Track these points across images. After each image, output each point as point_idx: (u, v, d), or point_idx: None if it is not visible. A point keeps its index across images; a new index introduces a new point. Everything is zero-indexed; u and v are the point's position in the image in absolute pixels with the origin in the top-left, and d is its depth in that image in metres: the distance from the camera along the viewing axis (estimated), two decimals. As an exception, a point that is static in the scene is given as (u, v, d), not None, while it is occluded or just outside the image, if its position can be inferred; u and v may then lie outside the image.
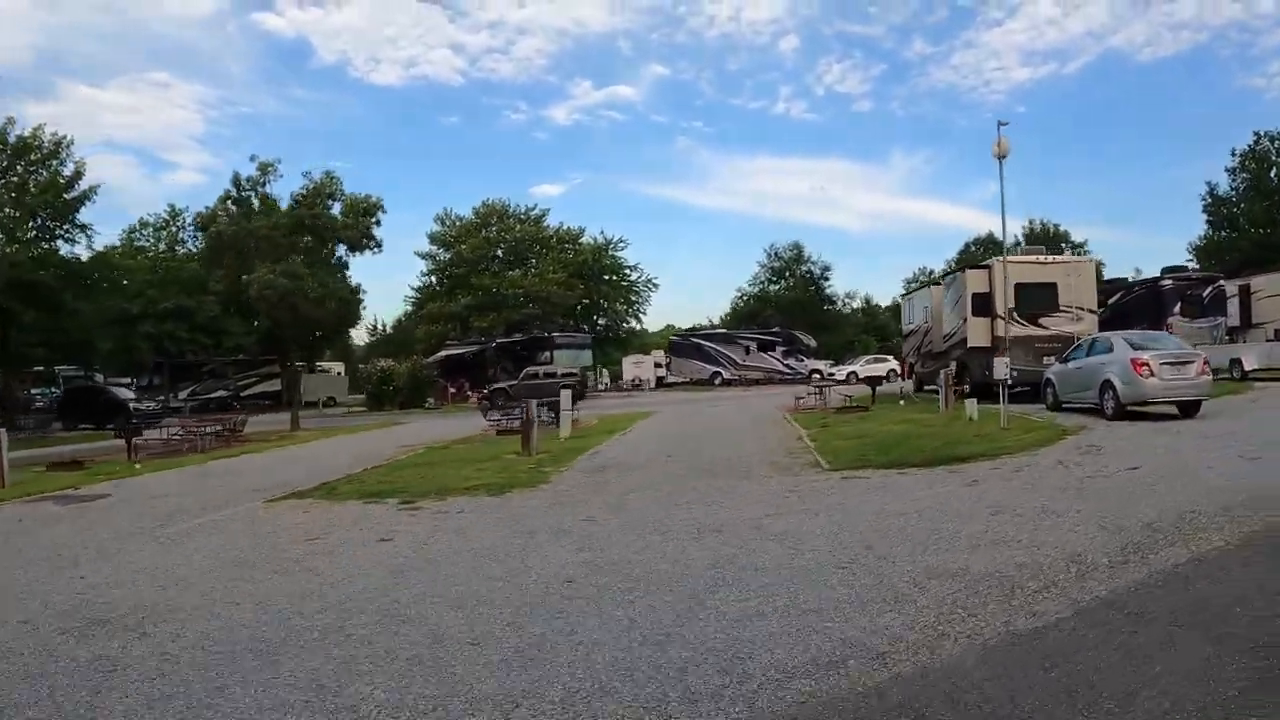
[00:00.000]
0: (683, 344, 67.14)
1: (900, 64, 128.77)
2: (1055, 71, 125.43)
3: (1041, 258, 29.51)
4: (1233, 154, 62.17)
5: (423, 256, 73.38)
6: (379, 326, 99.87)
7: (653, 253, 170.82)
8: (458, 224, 72.96)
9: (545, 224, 75.32)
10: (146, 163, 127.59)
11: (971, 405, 20.52)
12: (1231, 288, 39.64)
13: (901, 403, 28.13)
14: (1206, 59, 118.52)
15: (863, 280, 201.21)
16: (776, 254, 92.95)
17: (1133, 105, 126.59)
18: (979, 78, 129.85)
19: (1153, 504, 9.21)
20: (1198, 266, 57.31)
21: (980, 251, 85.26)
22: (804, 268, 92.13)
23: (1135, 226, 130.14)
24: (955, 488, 11.40)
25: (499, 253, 71.61)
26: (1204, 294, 36.10)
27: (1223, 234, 63.81)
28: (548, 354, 51.64)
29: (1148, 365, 17.85)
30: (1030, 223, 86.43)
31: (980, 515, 9.39)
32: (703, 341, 65.40)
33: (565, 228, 76.39)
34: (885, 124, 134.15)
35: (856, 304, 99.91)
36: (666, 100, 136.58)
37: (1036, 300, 26.57)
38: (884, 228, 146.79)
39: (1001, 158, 22.41)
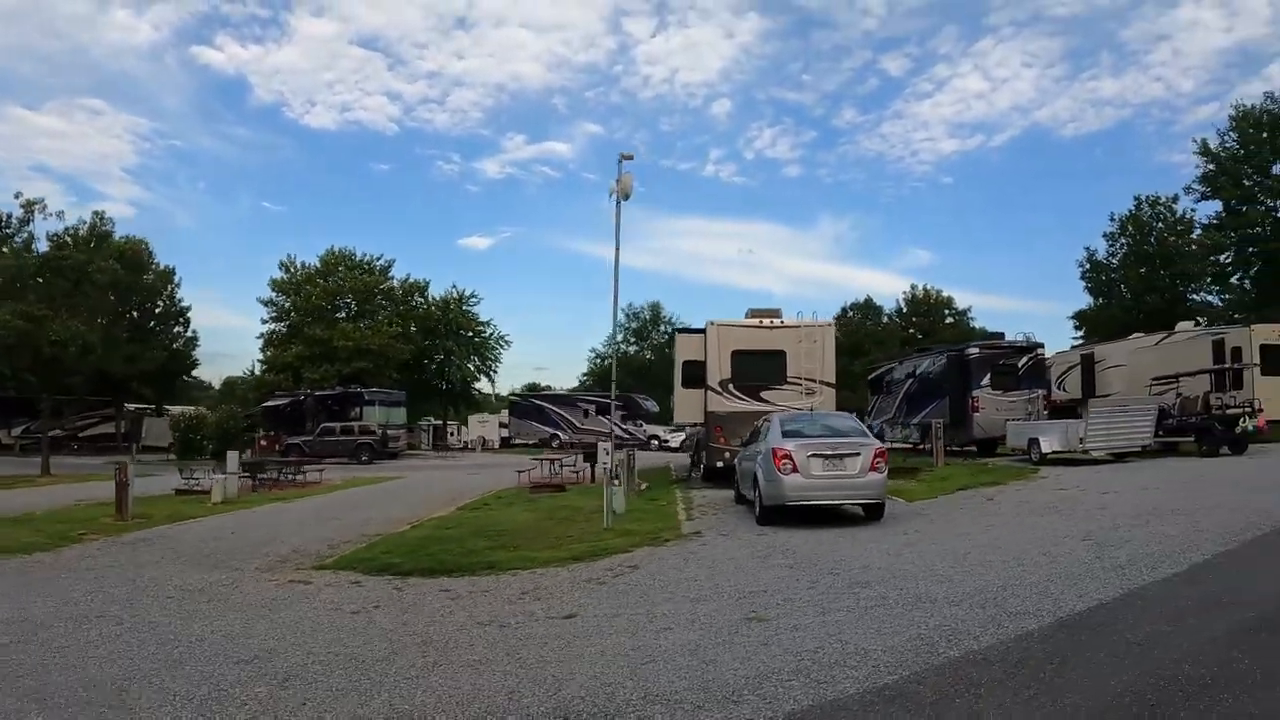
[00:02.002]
0: (523, 405, 69.08)
1: (830, 131, 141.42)
2: (982, 144, 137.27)
3: (767, 321, 25.63)
4: (1111, 219, 61.55)
5: (264, 303, 71.12)
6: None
7: (577, 310, 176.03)
8: (302, 271, 70.93)
9: (390, 275, 74.00)
10: (75, 190, 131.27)
11: (615, 493, 16.96)
12: (1073, 356, 40.08)
13: (643, 486, 24.11)
14: (1128, 135, 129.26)
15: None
16: (635, 314, 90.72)
17: (1054, 178, 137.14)
18: (907, 148, 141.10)
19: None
20: (1080, 336, 55.45)
21: (855, 315, 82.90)
22: (664, 328, 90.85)
23: (1054, 296, 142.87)
24: (345, 614, 9.35)
25: (347, 302, 70.46)
26: (1019, 364, 33.17)
27: (1100, 301, 62.45)
28: (358, 410, 51.59)
29: (790, 458, 14.97)
30: (912, 287, 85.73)
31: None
32: (543, 403, 67.35)
33: (411, 279, 75.61)
34: (813, 190, 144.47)
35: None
36: (598, 158, 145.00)
37: (759, 370, 24.64)
38: (808, 292, 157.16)
39: (625, 197, 18.29)
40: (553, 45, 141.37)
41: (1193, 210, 50.06)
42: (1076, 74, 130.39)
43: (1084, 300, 62.62)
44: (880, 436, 37.68)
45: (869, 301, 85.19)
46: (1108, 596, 8.24)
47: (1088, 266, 62.86)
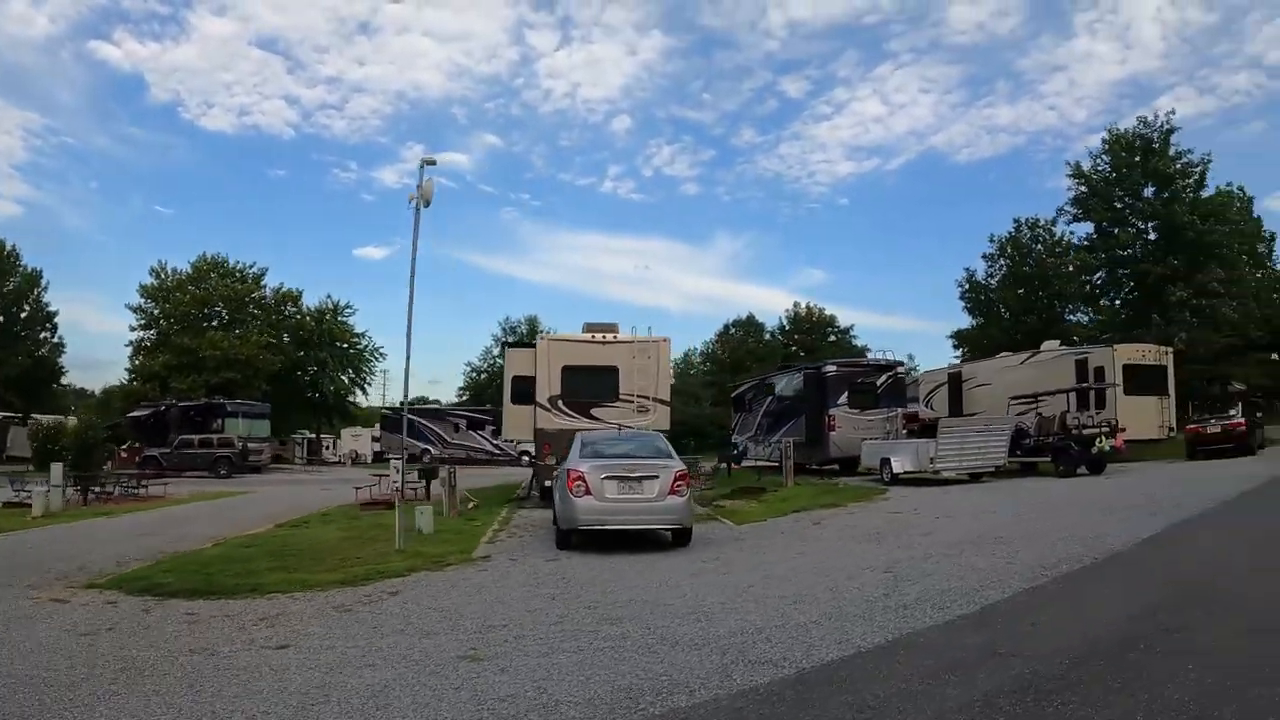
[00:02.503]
0: (395, 419, 64.89)
1: (729, 151, 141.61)
2: (878, 167, 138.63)
3: (600, 336, 24.17)
4: (991, 240, 61.97)
5: (133, 310, 68.06)
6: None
7: (471, 323, 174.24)
8: (173, 277, 68.28)
9: (263, 284, 71.24)
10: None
11: (424, 513, 16.96)
12: (941, 375, 39.93)
13: (471, 505, 22.61)
14: (1020, 161, 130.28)
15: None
16: (512, 328, 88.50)
17: (948, 201, 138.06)
18: (804, 169, 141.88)
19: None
20: (960, 355, 55.45)
21: (738, 332, 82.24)
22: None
23: (943, 316, 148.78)
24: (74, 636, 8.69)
25: (218, 310, 68.12)
26: (878, 382, 32.19)
27: (979, 321, 62.53)
28: (220, 422, 49.76)
29: (584, 480, 14.00)
30: (795, 305, 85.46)
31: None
32: (414, 417, 63.52)
33: (284, 288, 72.72)
34: (711, 208, 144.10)
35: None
36: (496, 170, 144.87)
37: (590, 387, 23.40)
38: (703, 309, 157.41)
39: (425, 204, 16.56)
40: (454, 55, 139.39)
41: (1071, 233, 50.17)
42: (973, 101, 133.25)
43: (967, 320, 63.04)
44: (744, 454, 36.95)
45: (751, 319, 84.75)
46: (872, 643, 7.38)
47: (966, 287, 63.34)
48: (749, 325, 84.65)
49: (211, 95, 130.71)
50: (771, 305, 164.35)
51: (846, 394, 31.53)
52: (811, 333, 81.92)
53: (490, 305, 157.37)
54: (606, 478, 14.04)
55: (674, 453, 15.70)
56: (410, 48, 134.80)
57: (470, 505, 22.37)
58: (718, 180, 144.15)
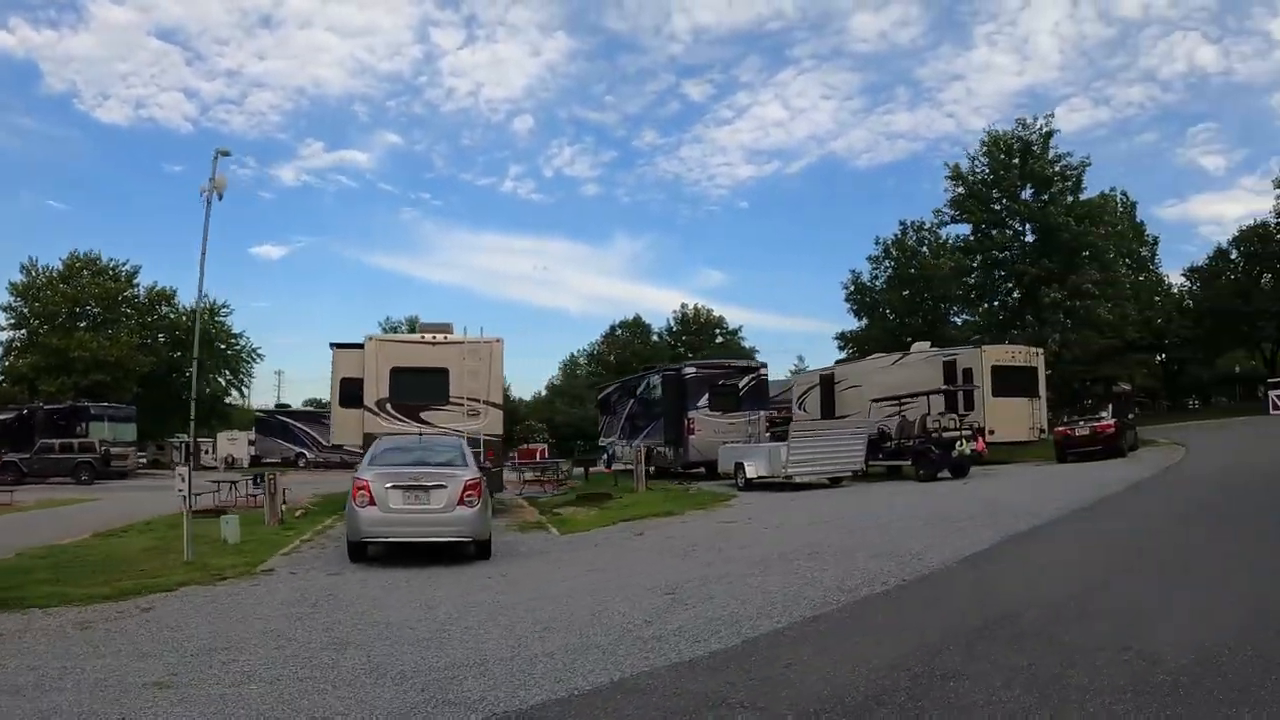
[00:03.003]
0: (269, 422, 65.71)
1: (630, 152, 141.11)
2: (778, 170, 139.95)
3: (429, 336, 23.02)
4: (876, 242, 62.12)
5: (2, 309, 65.43)
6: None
7: (369, 324, 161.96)
8: (43, 274, 65.60)
9: (136, 282, 68.48)
10: None
11: (229, 523, 16.07)
12: (813, 377, 38.67)
13: (299, 513, 21.44)
14: (918, 167, 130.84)
15: (540, 363, 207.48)
16: (392, 328, 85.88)
17: (846, 205, 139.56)
18: (704, 171, 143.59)
19: None
20: (847, 354, 54.97)
21: (625, 334, 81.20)
22: None
23: (839, 318, 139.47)
24: None
25: (90, 310, 65.55)
26: (740, 384, 31.05)
27: (865, 322, 62.79)
28: (84, 425, 47.45)
29: (368, 489, 13.20)
30: (683, 305, 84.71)
31: None
32: (289, 420, 64.54)
33: (158, 287, 69.99)
34: (611, 209, 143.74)
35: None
36: (397, 169, 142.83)
37: (420, 389, 22.39)
38: (603, 310, 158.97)
39: (219, 197, 15.03)
40: (357, 51, 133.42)
41: (957, 235, 49.78)
42: (873, 107, 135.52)
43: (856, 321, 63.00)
44: (613, 457, 35.56)
45: (638, 320, 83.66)
46: (593, 683, 6.46)
47: (852, 289, 63.21)
48: (636, 326, 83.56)
49: (108, 86, 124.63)
50: (672, 307, 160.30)
51: (707, 396, 30.44)
52: (699, 334, 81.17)
53: (388, 306, 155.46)
54: (392, 487, 13.17)
55: (472, 460, 14.72)
56: (312, 42, 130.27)
57: (298, 514, 21.11)
58: (618, 181, 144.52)
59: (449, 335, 22.82)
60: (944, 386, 27.66)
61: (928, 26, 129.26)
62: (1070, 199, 41.47)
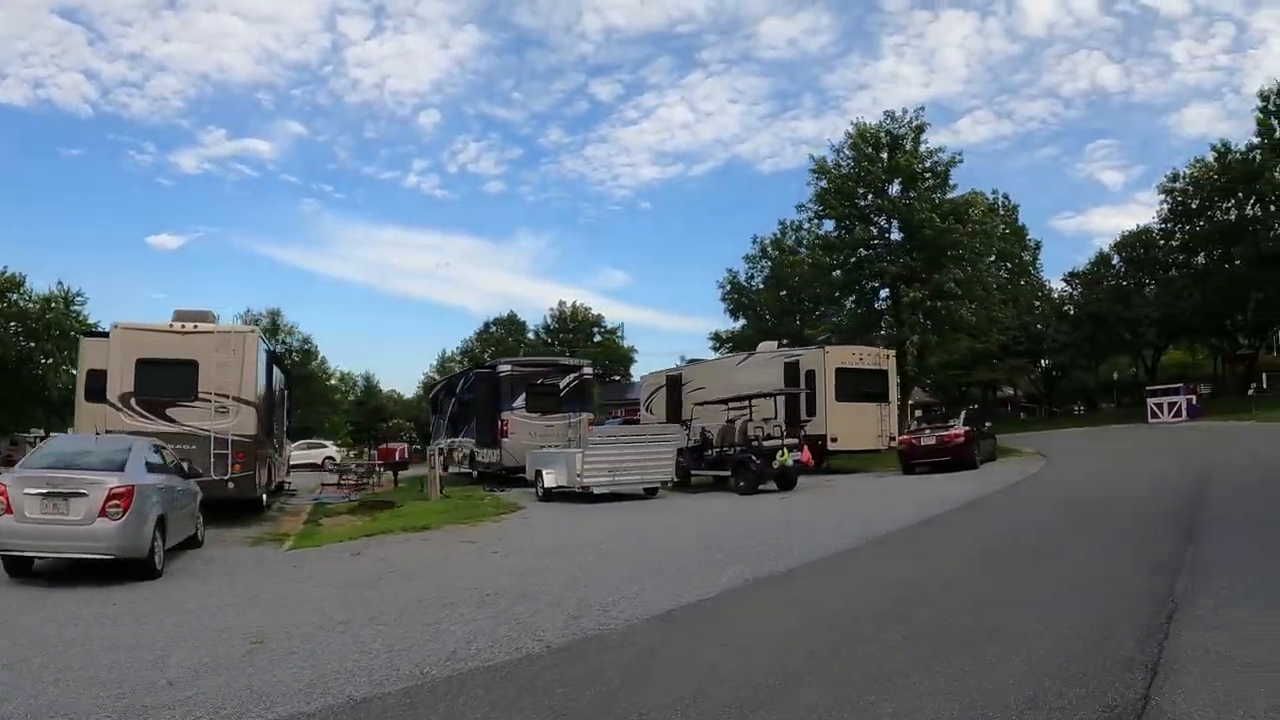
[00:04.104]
0: None
1: (535, 150, 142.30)
2: (682, 172, 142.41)
3: (179, 325, 20.17)
4: (754, 241, 60.80)
5: None
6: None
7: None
8: None
9: None
10: None
11: None
12: (660, 378, 36.64)
13: None
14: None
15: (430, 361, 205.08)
16: (254, 320, 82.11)
17: (749, 209, 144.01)
18: (609, 171, 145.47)
19: None
20: (685, 358, 53.18)
21: (499, 330, 78.82)
22: (284, 338, 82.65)
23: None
24: None
25: None
26: (560, 384, 28.76)
27: (742, 322, 61.82)
28: None
29: (4, 494, 11.34)
30: (560, 303, 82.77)
31: None
32: None
33: (8, 273, 66.59)
34: (515, 207, 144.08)
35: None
36: (300, 160, 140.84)
37: (167, 384, 19.78)
38: (504, 308, 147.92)
39: None
40: (263, 37, 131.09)
41: (831, 231, 47.83)
42: (779, 113, 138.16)
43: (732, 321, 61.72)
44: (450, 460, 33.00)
45: (513, 317, 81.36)
46: None
47: (728, 288, 61.55)
48: (511, 323, 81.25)
49: (5, 65, 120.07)
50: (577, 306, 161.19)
51: (524, 396, 28.23)
52: (576, 331, 79.08)
53: (285, 301, 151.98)
54: (29, 493, 11.41)
55: (137, 466, 12.59)
56: (218, 27, 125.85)
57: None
58: (523, 179, 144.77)
59: (199, 325, 20.11)
60: (766, 391, 25.37)
61: (837, 35, 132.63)
62: (938, 197, 39.86)
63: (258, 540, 16.66)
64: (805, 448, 22.24)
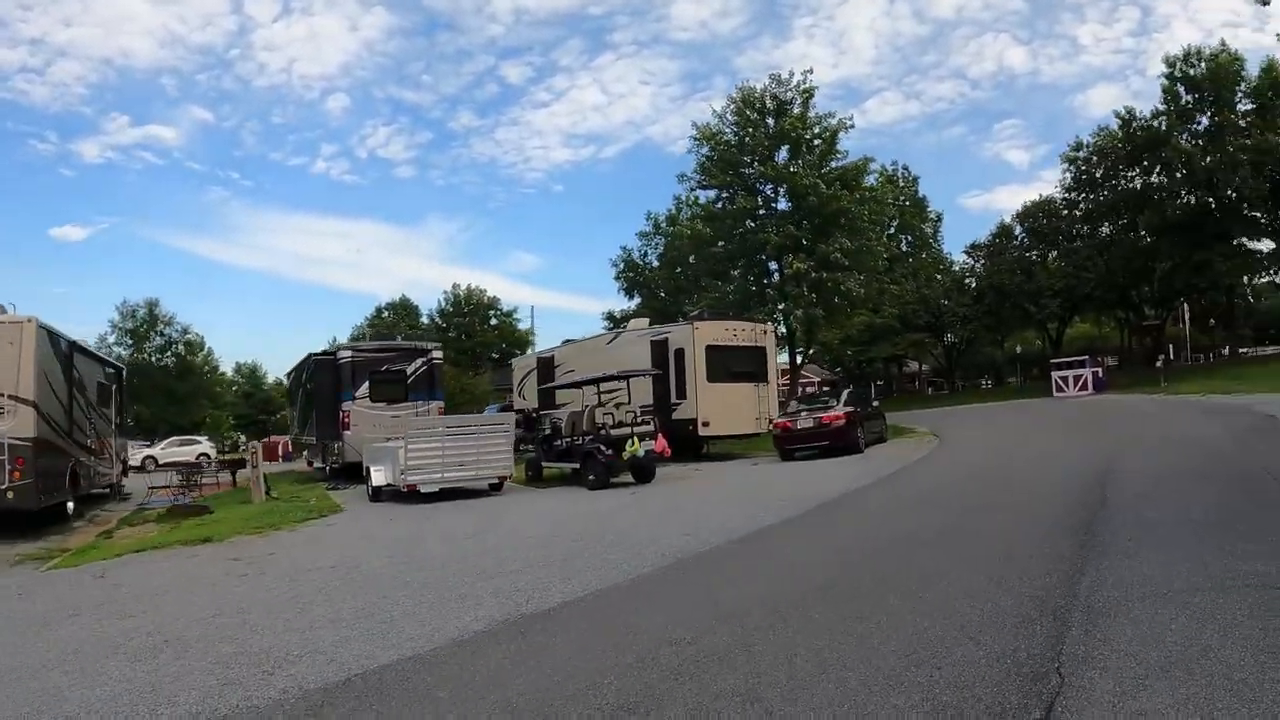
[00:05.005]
0: None
1: (445, 134, 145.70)
2: (594, 155, 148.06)
3: None
4: (647, 217, 59.15)
5: None
6: None
7: (172, 308, 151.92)
8: None
9: None
10: None
11: None
12: (532, 360, 35.38)
13: None
14: None
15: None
16: (130, 312, 78.65)
17: (660, 190, 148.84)
18: (520, 154, 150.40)
19: None
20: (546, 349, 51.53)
21: (390, 316, 76.39)
22: (162, 329, 79.83)
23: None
24: None
25: None
26: (408, 370, 26.51)
27: (638, 301, 60.54)
28: None
29: None
30: (455, 286, 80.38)
31: None
32: None
33: None
34: (425, 191, 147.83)
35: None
36: (206, 147, 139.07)
37: None
38: (417, 295, 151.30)
39: None
40: (168, 20, 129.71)
41: (714, 201, 45.98)
42: (690, 95, 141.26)
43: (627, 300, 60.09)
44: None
45: (405, 301, 78.79)
46: None
47: (622, 266, 59.84)
48: (403, 308, 78.70)
49: None
50: (485, 288, 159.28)
51: (367, 384, 25.95)
52: (472, 315, 76.79)
53: (192, 292, 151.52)
54: None
55: None
56: (121, 10, 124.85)
57: None
58: (433, 164, 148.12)
59: None
60: (611, 374, 23.16)
61: (749, 18, 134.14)
62: (827, 167, 38.22)
63: (25, 558, 14.69)
64: (660, 435, 20.35)
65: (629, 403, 22.53)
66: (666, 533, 12.05)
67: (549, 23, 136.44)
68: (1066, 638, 5.70)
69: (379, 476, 19.91)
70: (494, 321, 76.74)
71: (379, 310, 78.88)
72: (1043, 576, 7.51)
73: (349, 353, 26.47)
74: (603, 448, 19.59)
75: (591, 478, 19.64)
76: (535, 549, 11.46)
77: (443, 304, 78.62)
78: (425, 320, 77.97)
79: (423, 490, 18.83)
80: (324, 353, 27.80)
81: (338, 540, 14.28)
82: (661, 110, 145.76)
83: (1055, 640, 5.67)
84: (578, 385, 24.10)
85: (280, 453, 50.78)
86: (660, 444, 19.96)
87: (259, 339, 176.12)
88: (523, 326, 75.52)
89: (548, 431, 22.41)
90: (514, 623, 7.51)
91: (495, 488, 20.08)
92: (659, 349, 26.24)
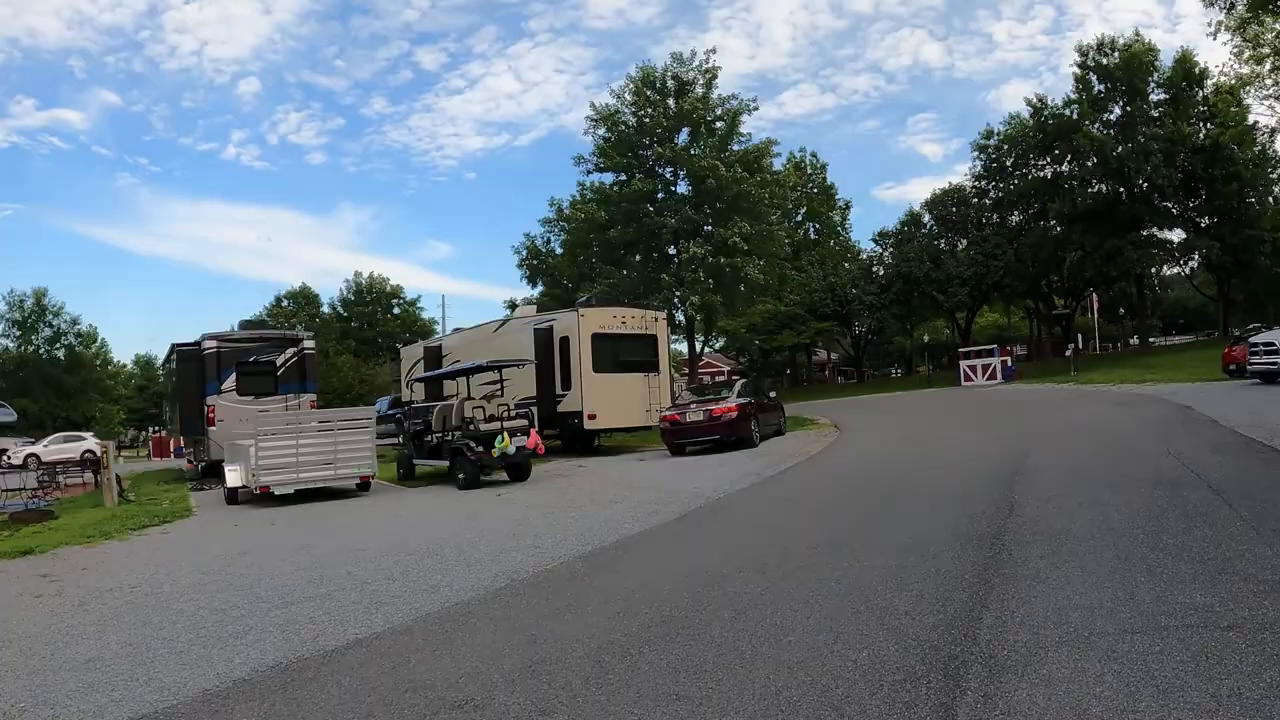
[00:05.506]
0: None
1: (358, 120, 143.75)
2: (508, 142, 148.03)
3: None
4: (550, 203, 57.98)
5: None
6: None
7: (78, 301, 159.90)
8: None
9: None
10: None
11: None
12: (418, 351, 33.41)
13: None
14: None
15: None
16: (17, 303, 75.56)
17: (573, 178, 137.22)
18: (433, 142, 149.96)
19: None
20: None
21: (290, 304, 74.44)
22: (51, 320, 76.29)
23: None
24: None
25: None
26: (278, 361, 25.25)
27: (541, 288, 59.22)
28: None
29: None
30: (356, 274, 79.44)
31: None
32: None
33: None
34: (337, 178, 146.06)
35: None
36: (114, 131, 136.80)
37: None
38: (328, 284, 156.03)
39: None
40: (76, 0, 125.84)
41: (610, 184, 45.08)
42: (605, 83, 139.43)
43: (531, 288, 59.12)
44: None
45: (305, 290, 76.76)
46: None
47: (525, 254, 59.13)
48: (303, 297, 76.63)
49: None
50: (398, 279, 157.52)
51: (234, 377, 24.62)
52: (374, 304, 75.11)
53: (99, 282, 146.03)
54: None
55: None
56: None
57: None
58: (345, 150, 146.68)
59: None
60: (481, 364, 22.10)
61: (665, 7, 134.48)
62: (729, 150, 37.54)
63: None
64: (534, 431, 19.43)
65: (501, 395, 21.45)
66: (514, 545, 10.92)
67: (465, 8, 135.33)
68: (960, 705, 4.50)
69: (234, 477, 18.73)
70: (397, 310, 75.04)
71: (278, 299, 76.78)
72: (936, 611, 6.23)
73: (214, 342, 24.97)
74: (472, 444, 18.56)
75: (460, 477, 18.63)
76: (360, 566, 10.37)
77: (344, 293, 76.68)
78: (326, 309, 76.00)
79: (277, 492, 17.67)
80: (188, 343, 26.36)
81: (163, 553, 13.04)
82: (576, 99, 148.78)
83: (945, 710, 4.47)
84: (448, 376, 23.11)
85: (174, 448, 49.00)
86: (533, 439, 19.01)
87: (168, 330, 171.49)
88: (426, 315, 74.16)
89: (419, 427, 21.36)
90: (285, 668, 6.41)
91: (363, 487, 19.03)
92: (544, 338, 25.27)
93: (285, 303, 75.97)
